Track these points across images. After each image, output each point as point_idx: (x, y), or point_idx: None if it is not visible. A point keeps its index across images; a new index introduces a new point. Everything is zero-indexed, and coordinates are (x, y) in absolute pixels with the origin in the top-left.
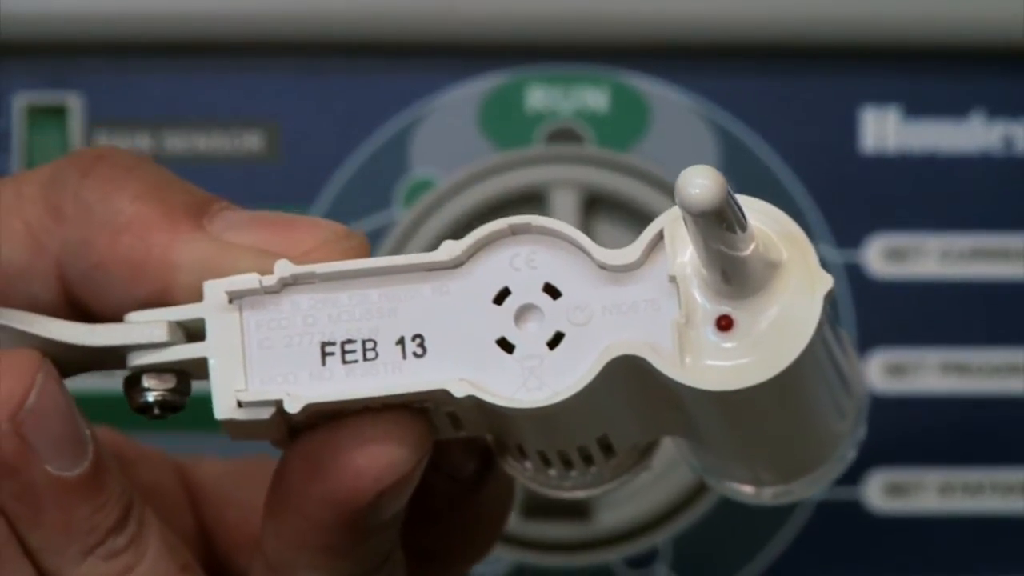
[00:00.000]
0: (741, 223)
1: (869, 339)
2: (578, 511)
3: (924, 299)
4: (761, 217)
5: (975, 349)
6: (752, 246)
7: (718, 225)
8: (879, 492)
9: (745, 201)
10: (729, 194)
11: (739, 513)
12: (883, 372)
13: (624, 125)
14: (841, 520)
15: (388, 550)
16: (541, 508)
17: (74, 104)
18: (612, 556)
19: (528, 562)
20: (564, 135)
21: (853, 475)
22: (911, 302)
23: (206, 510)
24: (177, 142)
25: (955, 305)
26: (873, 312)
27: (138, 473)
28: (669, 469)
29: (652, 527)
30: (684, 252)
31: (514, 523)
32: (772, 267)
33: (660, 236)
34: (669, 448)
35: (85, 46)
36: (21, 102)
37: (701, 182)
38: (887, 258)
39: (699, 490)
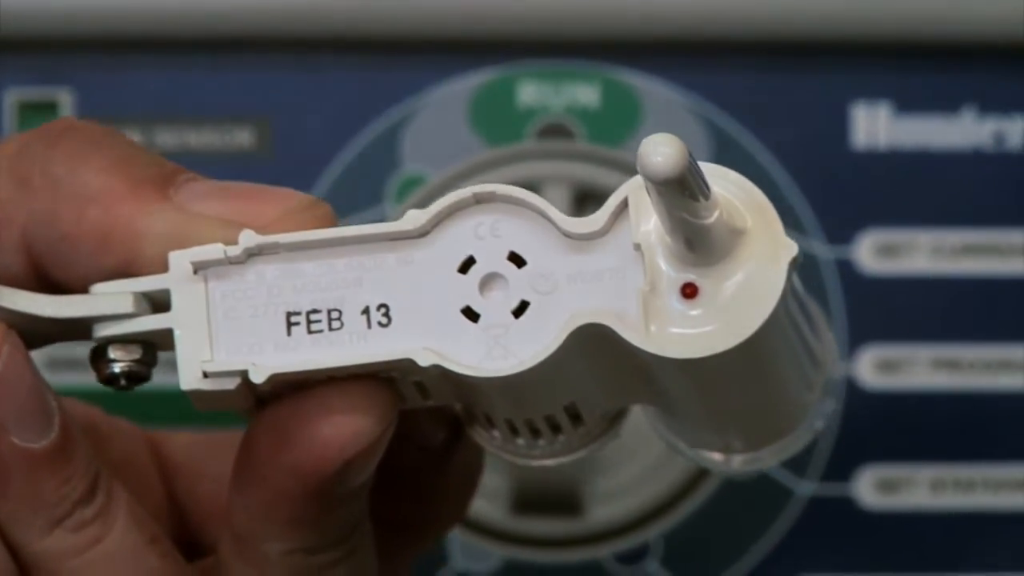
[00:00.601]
0: (704, 191)
1: (860, 335)
2: (569, 507)
3: (915, 295)
4: (725, 184)
5: (967, 345)
6: (716, 214)
7: (681, 193)
8: (870, 488)
9: (709, 169)
10: (691, 162)
11: (730, 509)
12: (874, 368)
13: (615, 121)
14: (832, 516)
15: (355, 520)
16: (532, 504)
17: (65, 100)
18: (603, 552)
19: (519, 558)
20: (555, 131)
21: (845, 471)
22: (902, 298)
23: (178, 483)
24: (168, 138)
25: (947, 301)
26: (864, 308)
27: (110, 446)
28: (660, 465)
29: (643, 523)
30: (648, 220)
31: (504, 519)
32: (736, 234)
33: (624, 204)
34: (661, 445)
35: (76, 42)
36: (12, 98)
37: (663, 150)
38: (878, 254)
39: (690, 486)
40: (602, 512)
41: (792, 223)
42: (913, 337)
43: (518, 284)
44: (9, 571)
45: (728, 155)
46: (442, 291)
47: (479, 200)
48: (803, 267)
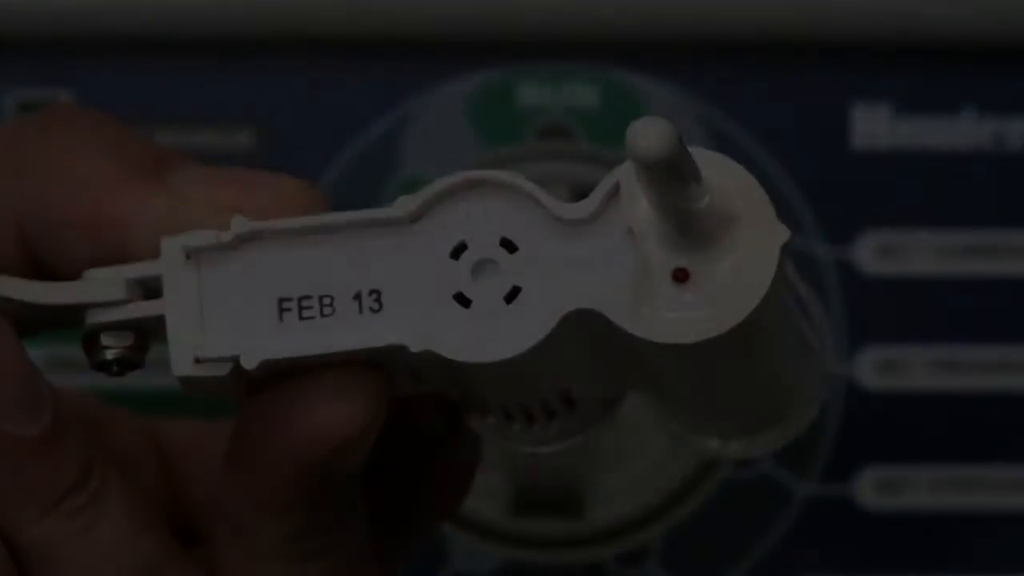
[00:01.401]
0: (694, 175)
1: (860, 336)
2: (569, 508)
3: (915, 296)
4: (717, 169)
5: (967, 345)
6: (707, 198)
7: (670, 177)
8: (870, 489)
9: (700, 153)
10: (681, 146)
11: (730, 509)
12: (874, 368)
13: (615, 122)
14: (832, 516)
15: (347, 507)
16: (532, 505)
17: (65, 100)
18: (603, 553)
19: (519, 559)
20: (555, 132)
21: (845, 472)
22: (902, 299)
23: (176, 470)
24: (168, 138)
25: (947, 302)
26: (864, 309)
27: (105, 433)
28: (660, 465)
29: (643, 524)
30: (640, 205)
31: (505, 520)
32: (728, 219)
33: (616, 189)
34: (660, 446)
35: (76, 42)
36: (12, 98)
37: (652, 132)
38: (878, 255)
39: (690, 486)
40: (602, 513)
41: (792, 224)
42: (913, 338)
43: (510, 269)
44: (3, 558)
45: (728, 155)
46: (434, 277)
47: (470, 185)
48: (803, 268)
